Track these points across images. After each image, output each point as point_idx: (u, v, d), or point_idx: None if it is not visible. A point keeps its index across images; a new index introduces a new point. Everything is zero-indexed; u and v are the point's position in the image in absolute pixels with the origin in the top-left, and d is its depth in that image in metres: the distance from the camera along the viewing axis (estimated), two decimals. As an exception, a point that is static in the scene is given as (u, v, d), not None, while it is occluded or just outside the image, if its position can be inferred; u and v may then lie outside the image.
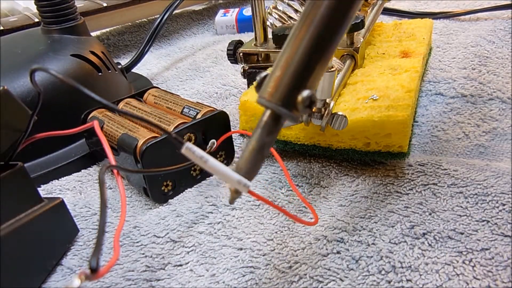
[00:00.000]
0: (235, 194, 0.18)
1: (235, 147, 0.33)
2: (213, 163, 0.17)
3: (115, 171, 0.22)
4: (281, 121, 0.17)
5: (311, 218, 0.26)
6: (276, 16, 0.37)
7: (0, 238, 0.21)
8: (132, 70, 0.49)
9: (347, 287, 0.21)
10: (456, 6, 0.56)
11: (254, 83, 0.18)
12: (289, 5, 0.37)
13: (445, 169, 0.27)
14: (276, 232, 0.25)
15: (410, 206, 0.25)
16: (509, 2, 0.49)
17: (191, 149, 0.17)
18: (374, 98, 0.28)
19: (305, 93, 0.16)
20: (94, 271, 0.14)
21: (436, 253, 0.22)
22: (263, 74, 0.17)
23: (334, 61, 0.26)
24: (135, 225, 0.27)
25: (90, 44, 0.38)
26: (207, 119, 0.29)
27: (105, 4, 0.55)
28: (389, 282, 0.21)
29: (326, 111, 0.27)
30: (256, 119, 0.30)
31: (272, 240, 0.25)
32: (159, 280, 0.23)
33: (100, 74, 0.37)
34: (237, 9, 0.62)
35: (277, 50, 0.34)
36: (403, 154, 0.27)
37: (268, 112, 0.17)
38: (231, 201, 0.18)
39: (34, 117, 0.23)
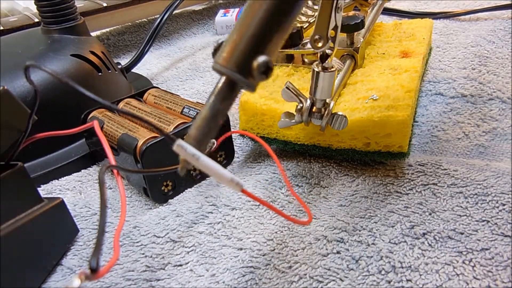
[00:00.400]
0: (185, 163, 0.17)
1: (235, 147, 0.33)
2: (205, 161, 0.17)
3: (115, 171, 0.22)
4: (237, 88, 0.16)
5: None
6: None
7: (0, 238, 0.21)
8: (132, 70, 0.49)
9: (347, 287, 0.21)
10: (456, 6, 0.56)
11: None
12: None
13: (445, 169, 0.27)
14: (276, 232, 0.25)
15: (410, 206, 0.25)
16: (509, 2, 0.49)
17: (182, 146, 0.17)
18: (374, 98, 0.28)
19: (261, 58, 0.15)
20: (94, 271, 0.14)
21: (436, 253, 0.22)
22: (221, 40, 0.17)
23: (334, 61, 0.26)
24: (135, 225, 0.27)
25: (90, 44, 0.38)
26: (207, 119, 0.29)
27: (105, 4, 0.55)
28: (389, 282, 0.21)
29: (326, 111, 0.27)
30: (256, 119, 0.30)
31: (272, 240, 0.25)
32: (159, 280, 0.23)
33: (100, 74, 0.37)
34: (237, 9, 0.62)
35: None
36: (403, 154, 0.27)
37: (223, 79, 0.16)
38: (180, 170, 0.17)
39: (33, 116, 0.23)
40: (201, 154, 0.17)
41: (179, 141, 0.17)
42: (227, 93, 0.16)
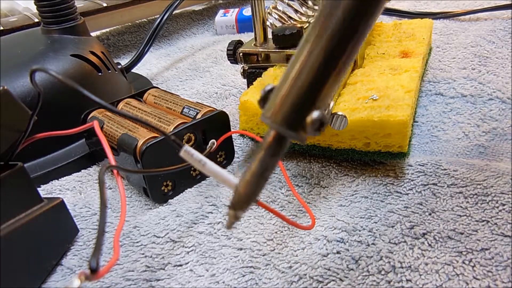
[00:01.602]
0: (233, 219, 0.17)
1: (235, 147, 0.33)
2: (211, 167, 0.17)
3: (114, 171, 0.22)
4: (286, 142, 0.16)
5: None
6: (276, 16, 0.37)
7: (0, 238, 0.21)
8: (132, 70, 0.49)
9: (347, 287, 0.21)
10: (456, 6, 0.56)
11: (258, 97, 0.16)
12: (289, 5, 0.37)
13: (445, 169, 0.27)
14: (276, 232, 0.25)
15: (410, 206, 0.25)
16: (509, 2, 0.49)
17: (189, 152, 0.17)
18: (374, 98, 0.28)
19: (315, 114, 0.14)
20: (93, 272, 0.14)
21: (436, 253, 0.22)
22: (268, 87, 0.16)
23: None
24: (135, 225, 0.27)
25: (90, 44, 0.38)
26: (207, 119, 0.29)
27: (105, 4, 0.55)
28: (389, 282, 0.21)
29: (326, 111, 0.27)
30: (256, 119, 0.30)
31: (272, 240, 0.25)
32: (159, 280, 0.23)
33: (100, 74, 0.37)
34: (237, 9, 0.62)
35: (277, 50, 0.34)
36: (403, 154, 0.27)
37: (272, 133, 0.16)
38: (229, 226, 0.17)
39: (34, 117, 0.23)
40: (207, 160, 0.17)
41: (186, 147, 0.17)
42: (276, 147, 0.16)
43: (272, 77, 0.33)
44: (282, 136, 0.16)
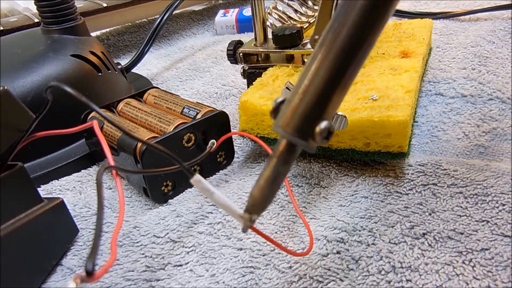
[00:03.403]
0: (248, 222, 0.18)
1: (235, 147, 0.33)
2: (219, 196, 0.19)
3: (113, 171, 0.22)
4: (297, 150, 0.17)
5: (311, 219, 0.26)
6: (276, 16, 0.37)
7: (0, 238, 0.21)
8: (132, 70, 0.49)
9: (347, 287, 0.21)
10: (456, 6, 0.56)
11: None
12: (289, 5, 0.37)
13: (445, 169, 0.27)
14: (276, 232, 0.25)
15: (410, 206, 0.25)
16: (509, 2, 0.49)
17: (200, 181, 0.19)
18: (374, 98, 0.28)
19: (323, 124, 0.16)
20: (89, 274, 0.14)
21: (436, 253, 0.22)
22: (279, 99, 0.17)
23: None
24: (135, 225, 0.27)
25: (90, 44, 0.38)
26: (207, 119, 0.29)
27: (105, 4, 0.55)
28: (389, 282, 0.21)
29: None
30: (256, 120, 0.30)
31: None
32: (159, 280, 0.23)
33: (100, 74, 0.37)
34: (237, 9, 0.62)
35: (277, 50, 0.34)
36: (403, 154, 0.27)
37: (283, 141, 0.17)
38: (245, 230, 0.18)
39: (33, 117, 0.23)
40: (215, 190, 0.19)
41: (197, 176, 0.19)
42: (288, 155, 0.17)
43: (272, 77, 0.33)
44: (293, 145, 0.17)
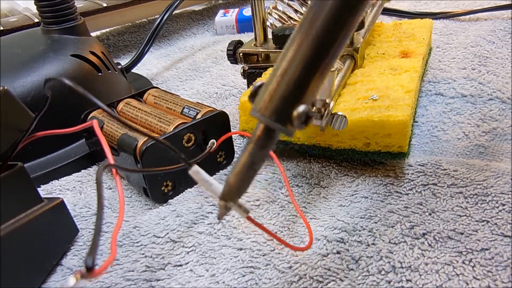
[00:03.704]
0: (224, 210, 0.17)
1: (235, 147, 0.33)
2: (217, 188, 0.18)
3: (113, 170, 0.22)
4: (275, 135, 0.16)
5: (311, 219, 0.26)
6: (276, 16, 0.37)
7: (0, 238, 0.21)
8: (132, 70, 0.49)
9: (347, 287, 0.21)
10: (456, 6, 0.56)
11: (248, 92, 0.17)
12: (289, 5, 0.37)
13: (445, 169, 0.27)
14: (276, 232, 0.25)
15: (410, 206, 0.25)
16: (509, 2, 0.49)
17: (198, 172, 0.18)
18: (374, 98, 0.28)
19: (301, 108, 0.15)
20: (89, 270, 0.14)
21: (436, 253, 0.22)
22: (258, 83, 0.17)
23: (334, 61, 0.26)
24: (135, 225, 0.27)
25: (90, 44, 0.38)
26: (207, 119, 0.29)
27: (105, 4, 0.55)
28: (389, 282, 0.21)
29: (326, 111, 0.27)
30: (255, 120, 0.30)
31: (272, 240, 0.25)
32: (159, 280, 0.23)
33: (100, 74, 0.37)
34: (237, 9, 0.62)
35: (277, 50, 0.34)
36: (403, 154, 0.27)
37: (261, 126, 0.16)
38: (220, 217, 0.18)
39: (33, 117, 0.23)
40: (213, 181, 0.18)
41: (195, 167, 0.18)
42: (266, 140, 0.16)
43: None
44: (270, 129, 0.16)
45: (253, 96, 0.16)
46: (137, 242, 0.26)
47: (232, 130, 0.31)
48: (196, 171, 0.18)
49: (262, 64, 0.35)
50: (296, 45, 0.15)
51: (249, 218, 0.19)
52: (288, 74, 0.15)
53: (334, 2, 0.15)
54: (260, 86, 0.16)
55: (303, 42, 0.15)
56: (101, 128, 0.30)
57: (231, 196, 0.17)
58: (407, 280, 0.21)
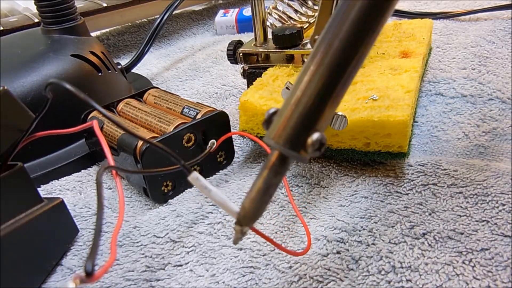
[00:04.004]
0: (240, 234, 0.18)
1: (235, 147, 0.33)
2: (216, 194, 0.19)
3: (113, 171, 0.22)
4: (289, 162, 0.17)
5: (311, 219, 0.26)
6: (276, 16, 0.37)
7: (0, 238, 0.21)
8: (132, 71, 0.49)
9: (347, 287, 0.21)
10: (456, 6, 0.56)
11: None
12: (289, 5, 0.37)
13: (445, 169, 0.27)
14: (276, 232, 0.25)
15: (410, 206, 0.25)
16: (509, 2, 0.49)
17: (197, 179, 0.19)
18: (374, 98, 0.28)
19: (315, 136, 0.16)
20: (89, 275, 0.14)
21: (436, 253, 0.22)
22: (272, 110, 0.17)
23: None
24: (135, 225, 0.27)
25: (90, 44, 0.38)
26: (207, 119, 0.29)
27: (105, 4, 0.55)
28: (389, 282, 0.21)
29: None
30: (256, 120, 0.30)
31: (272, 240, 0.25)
32: (159, 280, 0.23)
33: (100, 74, 0.37)
34: (237, 9, 0.62)
35: (277, 50, 0.34)
36: (403, 154, 0.27)
37: (275, 153, 0.17)
38: (235, 242, 0.18)
39: (33, 116, 0.23)
40: (212, 187, 0.19)
41: (194, 174, 0.19)
42: (279, 167, 0.17)
43: (272, 77, 0.33)
44: (284, 156, 0.16)
45: (267, 123, 0.17)
46: (137, 242, 0.26)
47: (232, 130, 0.31)
48: (195, 177, 0.19)
49: (262, 64, 0.35)
50: (311, 72, 0.16)
51: (253, 229, 0.19)
52: (302, 102, 0.16)
53: (350, 29, 0.15)
54: (274, 113, 0.17)
55: (317, 70, 0.16)
56: (101, 128, 0.30)
57: (246, 221, 0.17)
58: (407, 280, 0.21)
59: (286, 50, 0.33)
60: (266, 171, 0.17)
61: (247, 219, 0.17)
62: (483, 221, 0.23)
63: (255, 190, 0.17)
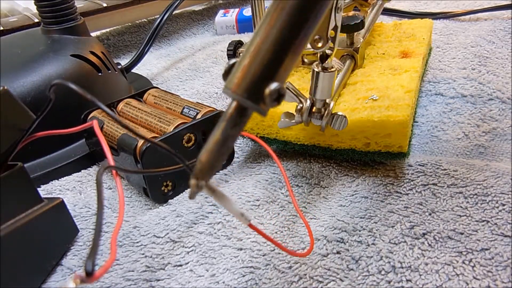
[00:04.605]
0: (195, 188, 0.17)
1: (235, 147, 0.33)
2: (221, 196, 0.18)
3: (113, 171, 0.22)
4: (247, 113, 0.16)
5: (311, 219, 0.26)
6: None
7: (0, 238, 0.21)
8: (132, 71, 0.49)
9: (347, 287, 0.21)
10: (456, 6, 0.56)
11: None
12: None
13: (445, 169, 0.27)
14: (276, 232, 0.25)
15: (410, 206, 0.25)
16: (509, 2, 0.49)
17: (199, 185, 0.18)
18: (374, 98, 0.28)
19: (273, 85, 0.15)
20: (89, 275, 0.14)
21: (436, 253, 0.22)
22: (232, 61, 0.16)
23: (334, 61, 0.26)
24: (135, 225, 0.27)
25: (90, 44, 0.38)
26: (207, 119, 0.29)
27: (105, 4, 0.55)
28: (389, 282, 0.21)
29: (326, 111, 0.27)
30: (255, 119, 0.30)
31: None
32: (159, 280, 0.23)
33: (100, 74, 0.37)
34: (237, 9, 0.62)
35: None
36: (403, 154, 0.27)
37: (233, 104, 0.16)
38: (191, 196, 0.17)
39: (33, 116, 0.23)
40: (215, 187, 0.18)
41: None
42: (238, 118, 0.16)
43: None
44: (243, 107, 0.16)
45: (226, 74, 0.16)
46: (137, 242, 0.26)
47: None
48: (195, 182, 0.18)
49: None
50: (270, 22, 0.15)
51: (251, 226, 0.19)
52: (261, 52, 0.15)
53: None
54: (233, 64, 0.16)
55: (276, 21, 0.15)
56: (101, 128, 0.30)
57: (203, 175, 0.17)
58: (407, 280, 0.21)
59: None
60: (224, 123, 0.16)
61: (202, 172, 0.17)
62: (483, 221, 0.23)
63: (212, 141, 0.16)
